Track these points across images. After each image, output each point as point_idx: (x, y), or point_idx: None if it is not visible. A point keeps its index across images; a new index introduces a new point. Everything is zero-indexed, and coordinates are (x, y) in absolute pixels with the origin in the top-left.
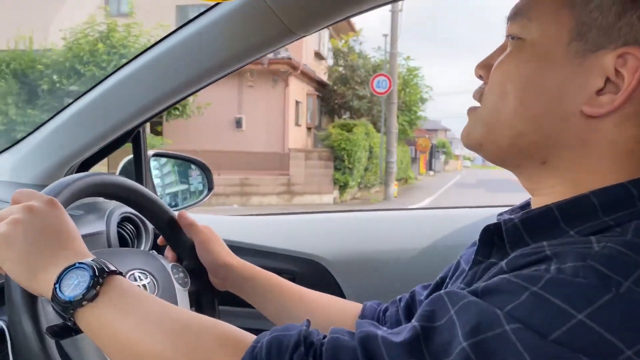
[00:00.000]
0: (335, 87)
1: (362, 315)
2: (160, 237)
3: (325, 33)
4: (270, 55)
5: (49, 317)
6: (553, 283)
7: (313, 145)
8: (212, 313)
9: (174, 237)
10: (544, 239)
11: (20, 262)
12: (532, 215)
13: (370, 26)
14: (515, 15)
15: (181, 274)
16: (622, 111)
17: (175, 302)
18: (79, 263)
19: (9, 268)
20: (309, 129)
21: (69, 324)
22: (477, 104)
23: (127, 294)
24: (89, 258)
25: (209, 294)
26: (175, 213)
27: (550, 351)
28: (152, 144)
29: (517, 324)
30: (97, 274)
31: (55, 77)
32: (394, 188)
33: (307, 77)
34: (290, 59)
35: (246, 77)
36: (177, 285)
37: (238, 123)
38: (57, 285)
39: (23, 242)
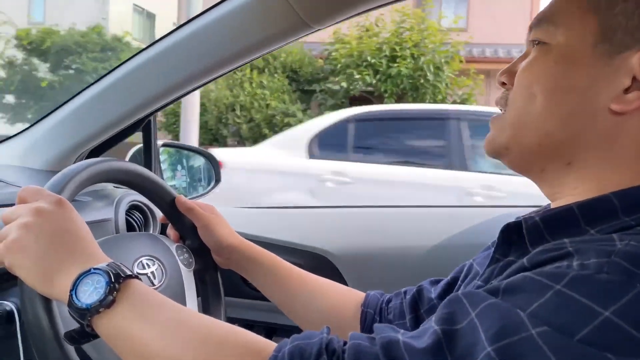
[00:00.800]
0: None
1: (365, 304)
2: (162, 215)
3: None
4: None
5: (65, 317)
6: (577, 280)
7: None
8: (217, 291)
9: (176, 216)
10: (564, 237)
11: (35, 268)
12: (553, 214)
13: None
14: (540, 22)
15: (185, 255)
16: None
17: (182, 285)
18: (94, 269)
19: (24, 275)
20: None
21: (87, 330)
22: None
23: (144, 300)
24: (104, 262)
25: (213, 272)
26: (178, 194)
27: (578, 352)
28: None
29: (542, 327)
30: (113, 279)
31: (353, 71)
32: None
33: None
34: None
35: None
36: (182, 267)
37: None
38: (73, 292)
39: (36, 247)
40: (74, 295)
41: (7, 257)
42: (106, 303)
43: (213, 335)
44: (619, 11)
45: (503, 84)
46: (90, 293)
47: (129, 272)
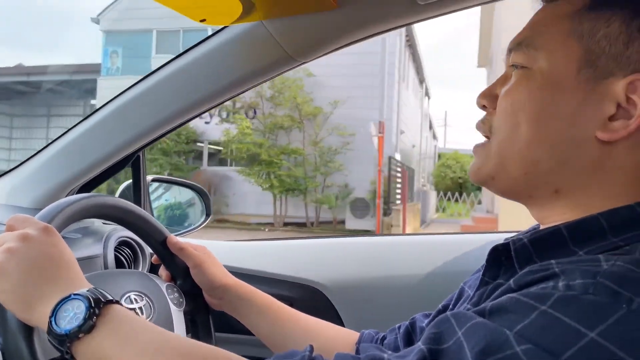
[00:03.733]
0: None
1: (359, 342)
2: (154, 256)
3: None
4: None
5: (46, 345)
6: (563, 301)
7: None
8: (207, 332)
9: (168, 256)
10: (552, 258)
11: (15, 293)
12: (541, 235)
13: None
14: (519, 46)
15: (176, 294)
16: (634, 137)
17: (171, 323)
18: (74, 294)
19: (4, 299)
20: None
21: (67, 357)
22: (483, 138)
23: (124, 323)
24: (84, 288)
25: (204, 314)
26: (170, 234)
27: None
28: None
29: (527, 345)
30: (93, 304)
31: None
32: None
33: None
34: None
35: None
36: (172, 306)
37: None
38: (52, 318)
39: (17, 272)
40: (53, 322)
41: None
42: (86, 328)
43: (193, 355)
44: (602, 36)
45: (484, 106)
46: (70, 319)
47: (110, 297)
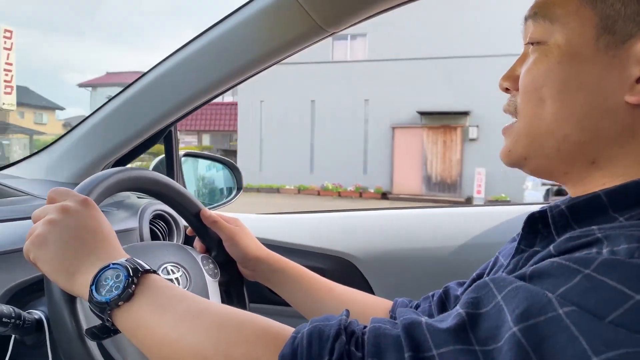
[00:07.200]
0: None
1: (394, 310)
2: (189, 227)
3: None
4: None
5: (89, 315)
6: (607, 265)
7: None
8: (242, 303)
9: (202, 229)
10: (592, 224)
11: (56, 263)
12: (580, 202)
13: None
14: (536, 15)
15: (211, 265)
16: None
17: (207, 293)
18: (113, 263)
19: (47, 269)
20: None
21: (107, 324)
22: (512, 120)
23: (162, 292)
24: (122, 258)
25: (239, 285)
26: (204, 207)
27: (607, 333)
28: None
29: (570, 307)
30: (131, 273)
31: None
32: None
33: None
34: None
35: None
36: (207, 277)
37: None
38: (93, 287)
39: (59, 243)
40: (93, 290)
41: (32, 251)
42: (125, 296)
43: (231, 321)
44: None
45: (507, 89)
46: (110, 287)
47: (147, 267)
